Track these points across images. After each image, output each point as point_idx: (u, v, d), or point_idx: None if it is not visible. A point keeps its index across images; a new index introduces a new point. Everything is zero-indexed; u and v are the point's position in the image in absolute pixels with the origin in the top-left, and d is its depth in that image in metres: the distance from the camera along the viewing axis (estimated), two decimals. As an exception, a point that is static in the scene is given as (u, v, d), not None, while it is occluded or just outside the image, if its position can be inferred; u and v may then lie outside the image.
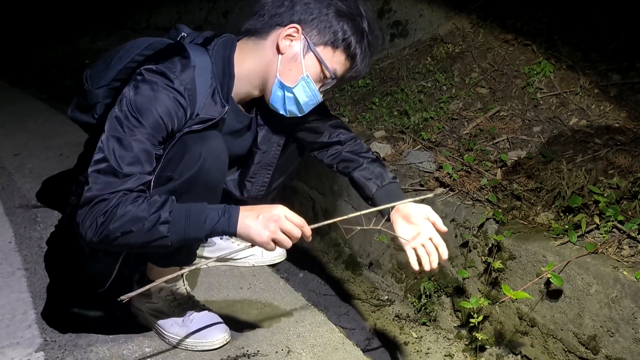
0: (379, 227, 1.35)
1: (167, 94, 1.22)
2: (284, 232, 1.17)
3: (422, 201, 1.42)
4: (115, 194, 1.16)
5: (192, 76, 1.26)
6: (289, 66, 1.29)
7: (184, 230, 1.15)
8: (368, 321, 1.99)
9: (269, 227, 1.16)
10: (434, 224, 1.38)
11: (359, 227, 1.32)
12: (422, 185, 2.03)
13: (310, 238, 1.21)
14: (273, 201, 1.80)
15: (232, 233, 1.17)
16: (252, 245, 1.21)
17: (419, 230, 1.37)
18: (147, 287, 1.26)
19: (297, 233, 1.18)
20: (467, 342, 1.80)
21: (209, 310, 1.55)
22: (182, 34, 1.41)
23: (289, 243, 1.18)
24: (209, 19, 5.12)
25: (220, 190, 1.34)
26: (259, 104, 1.43)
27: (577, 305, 1.49)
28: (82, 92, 1.39)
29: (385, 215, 1.47)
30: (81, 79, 1.40)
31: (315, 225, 1.23)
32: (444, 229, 1.39)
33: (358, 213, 1.29)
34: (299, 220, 1.19)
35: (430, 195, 1.46)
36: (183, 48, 1.30)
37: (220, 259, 1.26)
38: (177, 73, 1.24)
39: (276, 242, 1.18)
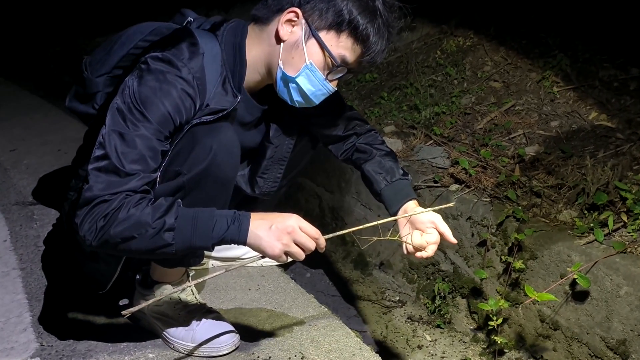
0: (395, 238, 1.30)
1: (174, 84, 1.14)
2: (297, 245, 1.11)
3: (441, 211, 1.35)
4: (117, 195, 1.08)
5: (201, 64, 1.18)
6: (292, 54, 1.20)
7: (190, 238, 1.08)
8: (379, 323, 1.92)
9: (282, 239, 1.10)
10: (442, 235, 1.31)
11: (375, 238, 1.27)
12: (435, 182, 1.95)
13: (324, 249, 1.15)
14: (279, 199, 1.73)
15: (242, 243, 1.10)
16: (263, 257, 1.14)
17: (427, 239, 1.31)
18: (150, 301, 1.20)
19: (312, 245, 1.12)
20: (484, 346, 1.73)
21: (216, 313, 1.47)
22: (189, 18, 1.33)
23: (302, 256, 1.12)
24: (210, 14, 5.04)
25: (231, 186, 1.26)
26: (271, 96, 1.34)
27: (605, 307, 1.42)
28: (82, 80, 1.31)
29: (393, 213, 1.41)
30: (80, 67, 1.31)
31: (330, 235, 1.17)
32: (453, 240, 1.32)
33: (374, 223, 1.24)
34: (314, 231, 1.12)
35: (450, 204, 1.37)
36: (191, 34, 1.22)
37: (228, 270, 1.20)
38: (184, 61, 1.16)
39: (288, 255, 1.12)
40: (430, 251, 1.30)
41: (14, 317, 1.52)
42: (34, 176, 2.52)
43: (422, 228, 1.32)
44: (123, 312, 1.13)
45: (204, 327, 1.40)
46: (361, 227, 1.22)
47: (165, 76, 1.13)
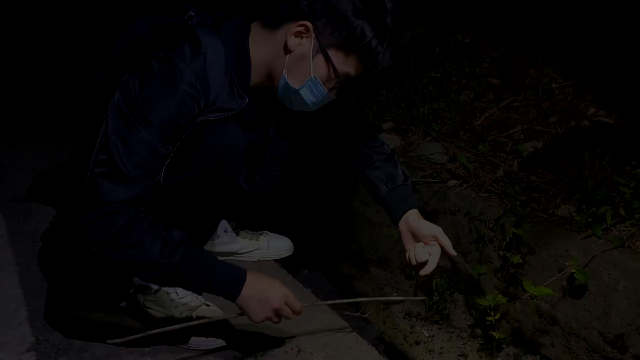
0: (365, 316, 1.55)
1: (177, 86, 1.12)
2: (279, 316, 1.24)
3: (440, 207, 1.43)
4: (125, 209, 1.08)
5: (204, 64, 1.16)
6: (297, 65, 1.19)
7: (184, 282, 1.17)
8: (376, 319, 1.91)
9: (267, 312, 1.21)
10: (443, 248, 1.36)
11: (347, 312, 1.54)
12: (433, 177, 1.94)
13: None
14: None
15: (231, 301, 1.20)
16: (241, 314, 1.24)
17: (429, 251, 1.36)
18: (142, 334, 1.21)
19: (292, 318, 1.25)
20: (482, 342, 1.73)
21: (213, 307, 1.46)
22: (189, 12, 1.32)
23: (279, 323, 1.26)
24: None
25: (236, 182, 1.27)
26: (271, 95, 1.33)
27: (602, 302, 1.41)
28: (80, 74, 1.30)
29: (394, 220, 1.45)
30: (79, 61, 1.30)
31: (310, 305, 1.35)
32: (454, 253, 1.38)
33: (349, 300, 1.53)
34: (298, 307, 1.24)
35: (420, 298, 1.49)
36: (193, 32, 1.19)
37: (210, 320, 1.33)
38: (187, 61, 1.13)
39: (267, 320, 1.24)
40: (432, 265, 1.35)
41: (9, 312, 1.50)
42: (32, 172, 2.49)
43: (425, 241, 1.38)
44: (109, 342, 1.17)
45: (200, 321, 1.39)
46: (335, 301, 1.44)
47: (167, 78, 1.11)
